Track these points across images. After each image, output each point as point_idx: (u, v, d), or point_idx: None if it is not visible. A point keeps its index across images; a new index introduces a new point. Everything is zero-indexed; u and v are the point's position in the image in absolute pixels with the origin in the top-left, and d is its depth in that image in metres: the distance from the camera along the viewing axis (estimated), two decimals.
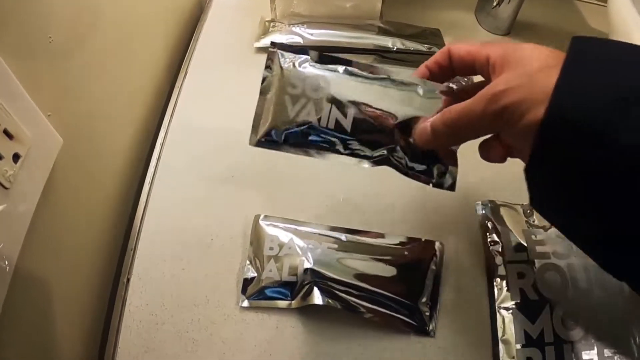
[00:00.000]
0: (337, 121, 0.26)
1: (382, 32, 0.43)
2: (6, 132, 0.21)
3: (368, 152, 0.26)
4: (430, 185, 0.27)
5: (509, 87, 0.20)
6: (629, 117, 0.17)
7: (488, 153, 0.24)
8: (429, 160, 0.27)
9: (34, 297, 0.26)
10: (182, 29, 0.46)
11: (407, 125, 0.26)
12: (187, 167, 0.35)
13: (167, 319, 0.29)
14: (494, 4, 0.45)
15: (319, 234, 0.31)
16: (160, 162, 0.36)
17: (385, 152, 0.26)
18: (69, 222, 0.29)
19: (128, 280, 0.30)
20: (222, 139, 0.36)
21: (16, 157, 0.22)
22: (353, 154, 0.26)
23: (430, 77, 0.25)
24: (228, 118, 0.37)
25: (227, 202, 0.33)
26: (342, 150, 0.26)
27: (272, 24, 0.43)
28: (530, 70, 0.20)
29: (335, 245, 0.30)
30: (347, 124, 0.26)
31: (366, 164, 0.26)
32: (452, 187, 0.27)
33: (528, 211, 0.33)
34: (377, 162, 0.26)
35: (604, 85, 0.17)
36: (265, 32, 0.42)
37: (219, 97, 0.39)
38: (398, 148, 0.26)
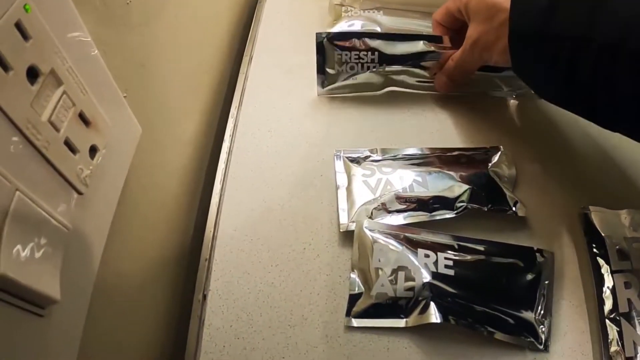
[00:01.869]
0: None
1: None
2: (82, 117, 0.16)
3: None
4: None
5: (479, 34, 0.29)
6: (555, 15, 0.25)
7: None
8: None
9: (115, 308, 0.21)
10: (243, 10, 0.41)
11: None
12: (261, 164, 0.30)
13: (258, 343, 0.24)
14: None
15: (433, 242, 0.26)
16: (232, 157, 0.31)
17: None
18: (141, 227, 0.24)
19: (205, 296, 0.26)
20: (294, 138, 0.32)
21: (93, 151, 0.17)
22: None
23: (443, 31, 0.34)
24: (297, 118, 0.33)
25: (313, 204, 0.28)
26: None
27: (343, 8, 0.37)
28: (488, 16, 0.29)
29: (451, 255, 0.25)
30: None
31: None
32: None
33: (632, 218, 0.28)
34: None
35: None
36: (337, 18, 0.37)
37: (287, 88, 0.34)
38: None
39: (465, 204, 0.27)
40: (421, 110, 0.33)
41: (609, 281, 0.27)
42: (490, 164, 0.29)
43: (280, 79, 0.35)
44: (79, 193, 0.17)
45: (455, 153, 0.30)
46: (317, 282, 0.26)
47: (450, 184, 0.28)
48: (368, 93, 0.34)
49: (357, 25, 0.36)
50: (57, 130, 0.15)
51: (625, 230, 0.28)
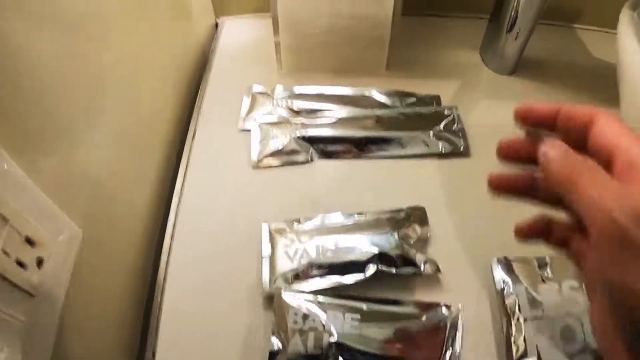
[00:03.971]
0: None
1: (381, 105, 0.42)
2: (28, 240, 0.21)
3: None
4: None
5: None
6: None
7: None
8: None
9: None
10: (188, 83, 0.46)
11: None
12: (200, 238, 0.35)
13: None
14: (501, 42, 0.45)
15: (340, 305, 0.30)
16: (175, 235, 0.35)
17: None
18: (92, 309, 0.28)
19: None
20: (229, 211, 0.36)
21: (40, 262, 0.22)
22: None
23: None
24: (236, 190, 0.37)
25: (243, 274, 0.33)
26: None
27: (260, 96, 0.42)
28: None
29: (358, 316, 0.30)
30: None
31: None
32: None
33: (541, 264, 0.33)
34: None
35: None
36: (251, 109, 0.41)
37: (226, 161, 0.39)
38: None
39: (375, 267, 0.32)
40: (348, 176, 0.38)
41: (518, 329, 0.30)
42: (402, 226, 0.34)
43: (223, 150, 0.40)
44: (31, 295, 0.21)
45: (371, 217, 0.35)
46: (243, 341, 0.30)
47: (362, 249, 0.32)
48: (299, 165, 0.38)
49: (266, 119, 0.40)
50: (9, 256, 0.20)
51: (535, 277, 0.32)
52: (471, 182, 0.38)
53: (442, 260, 0.33)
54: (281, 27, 0.41)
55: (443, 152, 0.39)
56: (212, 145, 0.40)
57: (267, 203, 0.36)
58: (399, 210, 0.35)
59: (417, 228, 0.34)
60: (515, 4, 0.42)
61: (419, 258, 0.33)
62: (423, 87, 0.44)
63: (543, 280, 0.32)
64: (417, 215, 0.35)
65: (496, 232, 0.35)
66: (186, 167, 0.38)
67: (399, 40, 0.43)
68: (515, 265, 0.33)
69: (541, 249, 0.33)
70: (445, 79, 0.45)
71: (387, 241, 0.33)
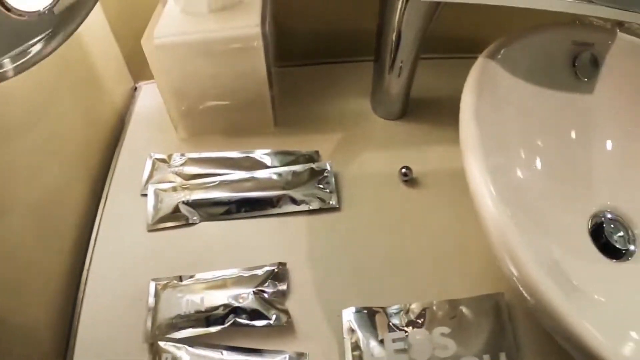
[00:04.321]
0: None
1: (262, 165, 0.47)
2: None
3: None
4: None
5: None
6: None
7: None
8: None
9: None
10: (103, 149, 0.52)
11: None
12: (101, 299, 0.41)
13: None
14: (385, 82, 0.48)
15: (202, 355, 0.37)
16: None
17: None
18: None
19: None
20: (133, 269, 0.42)
21: None
22: None
23: None
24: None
25: (134, 325, 0.39)
26: None
27: (158, 163, 0.48)
28: None
29: None
30: None
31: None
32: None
33: (391, 314, 0.38)
34: None
35: None
36: (151, 175, 0.47)
37: (130, 224, 0.45)
38: None
39: (233, 319, 0.38)
40: (227, 236, 0.44)
41: None
42: (262, 281, 0.40)
43: (127, 215, 0.45)
44: None
45: (236, 274, 0.41)
46: None
47: (222, 302, 0.39)
48: (185, 227, 0.44)
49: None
50: None
51: (381, 326, 0.37)
52: (337, 236, 0.44)
53: (297, 312, 0.39)
54: (169, 94, 0.47)
55: (313, 208, 0.44)
56: (119, 210, 0.46)
57: (158, 262, 0.43)
58: (261, 267, 0.41)
59: (276, 283, 0.40)
60: (393, 37, 0.44)
61: (273, 311, 0.39)
62: (309, 142, 0.49)
63: (390, 330, 0.37)
64: (278, 271, 0.41)
65: (353, 283, 0.41)
66: (97, 232, 0.45)
67: (289, 93, 0.48)
68: (364, 315, 0.38)
69: (394, 299, 0.39)
70: (331, 131, 0.50)
71: (245, 296, 0.39)
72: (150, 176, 0.47)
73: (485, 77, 0.43)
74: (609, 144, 0.53)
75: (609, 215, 0.50)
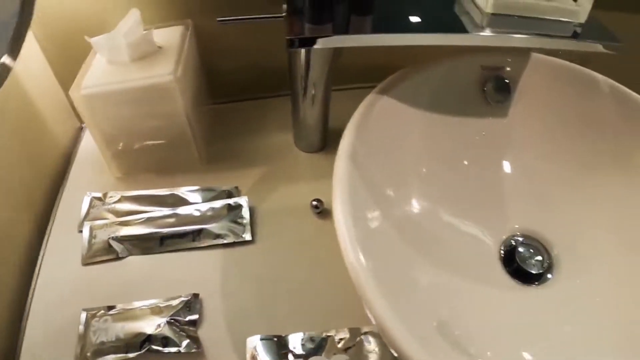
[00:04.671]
0: None
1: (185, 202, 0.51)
2: None
3: None
4: None
5: None
6: None
7: None
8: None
9: None
10: (47, 189, 0.56)
11: None
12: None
13: None
14: (301, 112, 0.52)
15: None
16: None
17: None
18: None
19: None
20: (70, 302, 0.47)
21: None
22: None
23: None
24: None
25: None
26: None
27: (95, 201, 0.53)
28: None
29: None
30: None
31: None
32: None
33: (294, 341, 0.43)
34: None
35: None
36: (88, 213, 0.52)
37: (68, 259, 0.50)
38: None
39: (148, 346, 0.43)
40: (150, 269, 0.48)
41: None
42: (174, 311, 0.45)
43: (66, 250, 0.50)
44: None
45: (152, 305, 0.45)
46: None
47: (140, 330, 0.44)
48: (113, 261, 0.49)
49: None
50: None
51: (283, 354, 0.41)
52: (249, 268, 0.48)
53: (207, 339, 0.43)
54: (99, 138, 0.52)
55: (227, 242, 0.49)
56: (60, 245, 0.51)
57: (91, 293, 0.48)
58: (177, 297, 0.46)
59: (188, 312, 0.45)
60: (302, 70, 0.48)
61: (184, 339, 0.43)
62: (233, 177, 0.54)
63: (296, 356, 0.41)
64: (191, 301, 0.45)
65: (261, 313, 0.45)
66: (40, 267, 0.50)
67: (219, 130, 0.52)
68: (268, 343, 0.42)
69: (299, 328, 0.43)
70: (254, 166, 0.55)
71: (158, 325, 0.44)
72: (87, 214, 0.52)
73: (373, 115, 0.46)
74: (521, 167, 0.55)
75: (520, 239, 0.52)
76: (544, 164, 0.54)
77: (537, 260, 0.50)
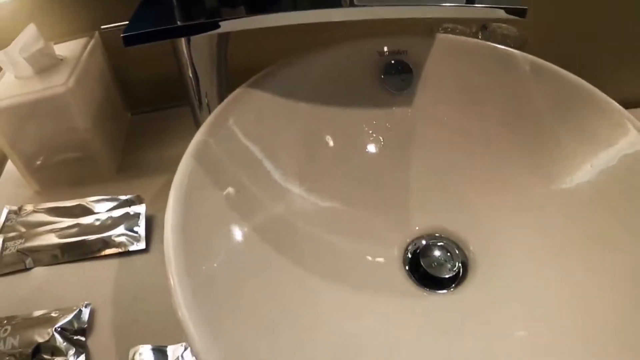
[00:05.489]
0: None
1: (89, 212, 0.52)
2: None
3: None
4: None
5: None
6: None
7: None
8: None
9: None
10: None
11: None
12: None
13: None
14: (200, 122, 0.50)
15: None
16: None
17: None
18: None
19: None
20: None
21: None
22: None
23: None
24: None
25: None
26: None
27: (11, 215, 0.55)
28: None
29: None
30: None
31: None
32: None
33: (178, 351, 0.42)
34: None
35: None
36: (3, 227, 0.54)
37: None
38: None
39: (38, 355, 0.44)
40: (53, 280, 0.49)
41: None
42: (65, 320, 0.46)
43: None
44: None
45: (47, 314, 0.46)
46: None
47: (31, 339, 0.44)
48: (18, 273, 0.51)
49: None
50: None
51: None
52: (142, 277, 0.48)
53: (96, 349, 0.44)
54: (11, 153, 0.54)
55: (122, 251, 0.49)
56: None
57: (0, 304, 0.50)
58: (70, 307, 0.47)
59: (78, 322, 0.45)
60: (190, 74, 0.48)
61: (72, 348, 0.44)
62: (140, 186, 0.54)
63: None
64: (82, 310, 0.46)
65: (150, 323, 0.45)
66: None
67: (137, 139, 0.53)
68: (153, 352, 0.43)
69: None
70: (162, 174, 0.55)
71: (48, 333, 0.45)
72: (3, 227, 0.54)
73: (228, 119, 0.44)
74: (429, 161, 0.51)
75: (428, 242, 0.48)
76: (453, 155, 0.50)
77: (447, 263, 0.47)
